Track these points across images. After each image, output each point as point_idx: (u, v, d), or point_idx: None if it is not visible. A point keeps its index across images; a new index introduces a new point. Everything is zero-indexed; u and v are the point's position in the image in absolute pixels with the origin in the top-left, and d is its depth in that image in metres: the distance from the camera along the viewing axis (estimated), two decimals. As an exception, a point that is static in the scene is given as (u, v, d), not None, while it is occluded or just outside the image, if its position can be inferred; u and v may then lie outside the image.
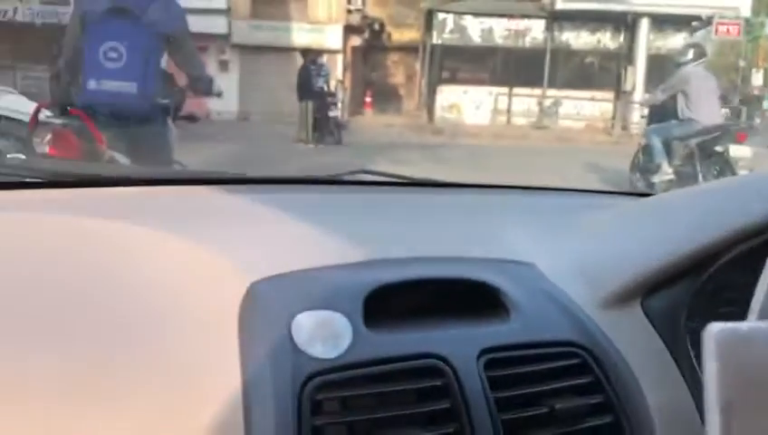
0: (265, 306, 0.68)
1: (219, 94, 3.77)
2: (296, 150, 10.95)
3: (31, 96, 5.55)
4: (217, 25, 16.64)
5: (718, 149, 5.82)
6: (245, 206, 0.95)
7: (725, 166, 5.73)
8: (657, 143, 6.21)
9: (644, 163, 6.50)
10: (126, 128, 3.09)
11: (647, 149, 6.45)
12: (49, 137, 3.32)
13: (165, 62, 3.29)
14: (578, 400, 0.71)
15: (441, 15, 16.88)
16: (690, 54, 6.15)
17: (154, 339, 0.64)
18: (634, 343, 0.77)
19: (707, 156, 5.91)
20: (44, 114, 3.42)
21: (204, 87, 3.52)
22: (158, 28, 3.11)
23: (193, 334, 0.65)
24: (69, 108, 3.14)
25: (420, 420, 0.65)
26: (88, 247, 0.73)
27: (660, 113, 6.45)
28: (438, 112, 17.06)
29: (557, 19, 16.70)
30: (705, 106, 5.94)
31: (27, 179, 0.99)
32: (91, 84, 3.06)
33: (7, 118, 6.05)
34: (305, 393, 0.62)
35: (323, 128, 11.73)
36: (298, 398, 0.61)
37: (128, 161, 3.05)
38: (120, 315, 0.65)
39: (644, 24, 16.33)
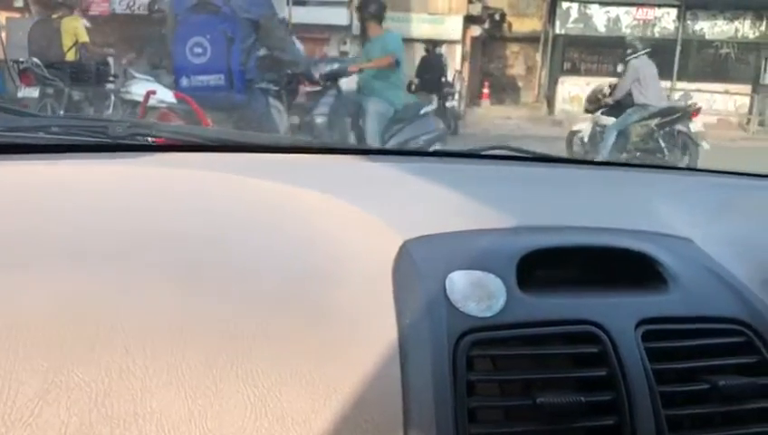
0: (419, 264, 0.69)
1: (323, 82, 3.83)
2: (412, 140, 10.99)
3: (168, 85, 5.97)
4: (339, 17, 16.95)
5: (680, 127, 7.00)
6: (392, 174, 0.97)
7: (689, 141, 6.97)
8: None
9: None
10: (227, 112, 3.23)
11: None
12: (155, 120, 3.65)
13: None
14: (743, 379, 0.67)
15: (565, 4, 16.35)
16: None
17: (317, 290, 0.66)
18: None
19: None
20: (155, 99, 3.73)
21: (300, 72, 3.54)
22: (243, 15, 3.18)
23: (350, 287, 0.67)
24: (175, 93, 3.34)
25: (575, 386, 0.64)
26: (258, 206, 0.77)
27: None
28: (559, 104, 16.57)
29: (690, 8, 15.77)
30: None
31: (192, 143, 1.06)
32: (183, 81, 3.23)
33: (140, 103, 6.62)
34: (460, 349, 0.62)
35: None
36: (453, 353, 0.62)
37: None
38: (287, 267, 0.68)
39: (789, 12, 15.15)
